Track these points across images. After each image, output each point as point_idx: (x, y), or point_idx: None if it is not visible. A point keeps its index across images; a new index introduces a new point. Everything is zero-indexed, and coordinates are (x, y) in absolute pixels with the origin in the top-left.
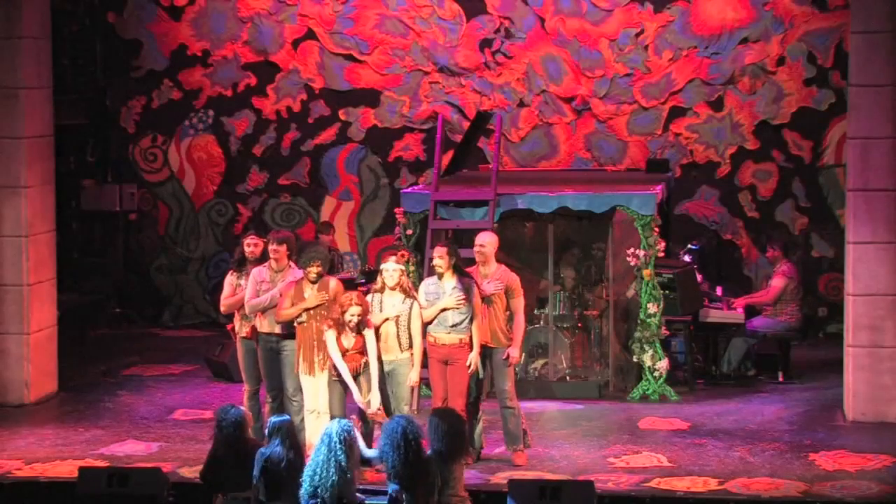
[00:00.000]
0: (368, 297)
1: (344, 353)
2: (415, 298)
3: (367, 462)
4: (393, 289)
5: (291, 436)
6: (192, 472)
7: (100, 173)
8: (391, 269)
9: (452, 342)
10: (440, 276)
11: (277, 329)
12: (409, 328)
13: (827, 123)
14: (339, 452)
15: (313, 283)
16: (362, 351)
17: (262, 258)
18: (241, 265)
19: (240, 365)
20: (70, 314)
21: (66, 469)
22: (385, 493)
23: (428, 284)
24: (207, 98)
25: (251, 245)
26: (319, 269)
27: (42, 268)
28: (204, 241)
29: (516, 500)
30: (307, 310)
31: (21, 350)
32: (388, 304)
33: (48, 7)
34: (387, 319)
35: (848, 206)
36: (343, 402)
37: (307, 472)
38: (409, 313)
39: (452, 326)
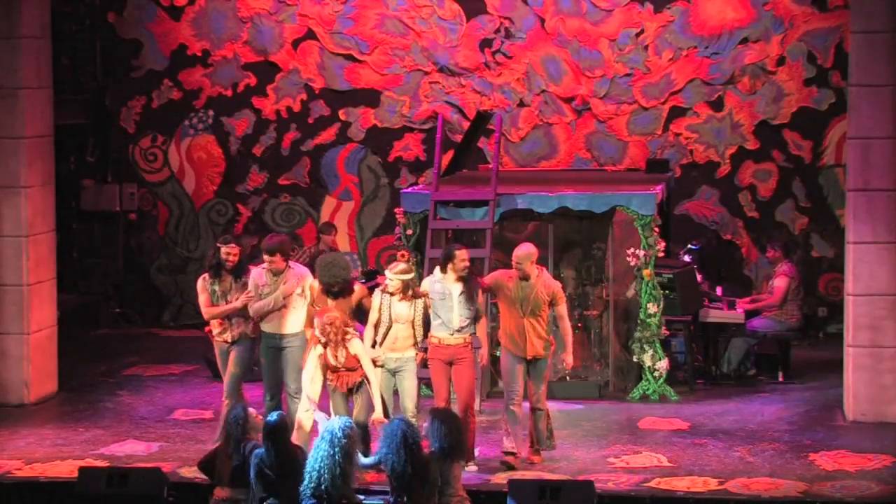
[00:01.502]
0: (376, 297)
1: (335, 369)
2: (420, 296)
3: (365, 467)
4: (394, 294)
5: (283, 436)
6: (192, 472)
7: (100, 173)
8: (388, 278)
9: (457, 342)
10: (461, 279)
11: (282, 329)
12: (423, 326)
13: (827, 123)
14: (342, 446)
15: (335, 297)
16: (354, 368)
17: (240, 264)
18: (218, 271)
19: (219, 368)
20: (70, 314)
21: (66, 469)
22: (385, 492)
23: (434, 283)
24: (207, 98)
25: (229, 254)
26: (338, 288)
27: (42, 268)
28: (204, 241)
29: (516, 500)
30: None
31: (21, 350)
32: (396, 307)
33: (48, 7)
34: (393, 324)
35: (848, 206)
36: (345, 409)
37: (308, 469)
38: (423, 313)
39: (458, 330)
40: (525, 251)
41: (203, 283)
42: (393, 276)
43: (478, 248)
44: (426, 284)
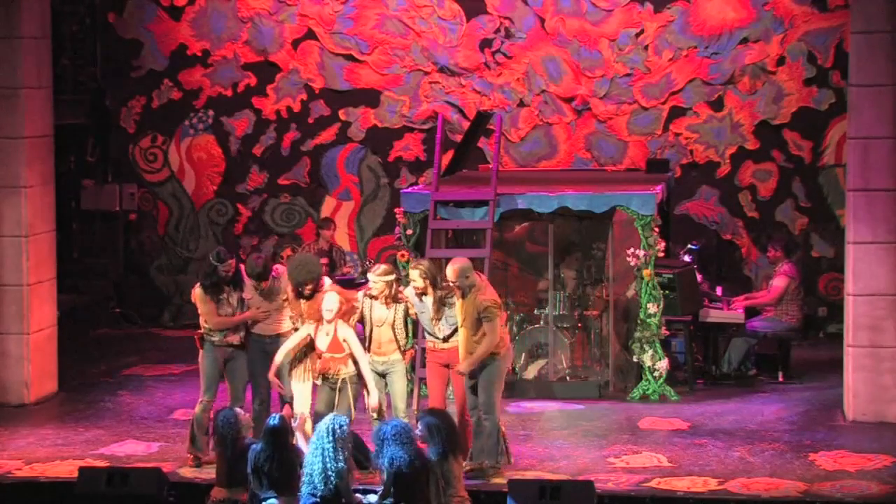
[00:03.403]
0: (361, 299)
1: (319, 354)
2: (401, 301)
3: (363, 465)
4: (376, 298)
5: (284, 437)
6: (191, 472)
7: (100, 173)
8: (371, 280)
9: (450, 347)
10: (420, 296)
11: (272, 331)
12: (404, 328)
13: (827, 123)
14: (327, 443)
15: (308, 298)
16: (338, 354)
17: (237, 273)
18: (218, 288)
19: (201, 372)
20: (70, 314)
21: (66, 469)
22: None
23: (413, 295)
24: (207, 98)
25: (229, 267)
26: (311, 287)
27: (42, 268)
28: (204, 241)
29: (516, 500)
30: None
31: (21, 350)
32: (376, 310)
33: (48, 7)
34: (374, 327)
35: (848, 206)
36: (331, 407)
37: (305, 468)
38: (403, 316)
39: (444, 339)
40: (458, 267)
41: (202, 293)
42: (376, 277)
43: (478, 248)
44: (408, 293)
